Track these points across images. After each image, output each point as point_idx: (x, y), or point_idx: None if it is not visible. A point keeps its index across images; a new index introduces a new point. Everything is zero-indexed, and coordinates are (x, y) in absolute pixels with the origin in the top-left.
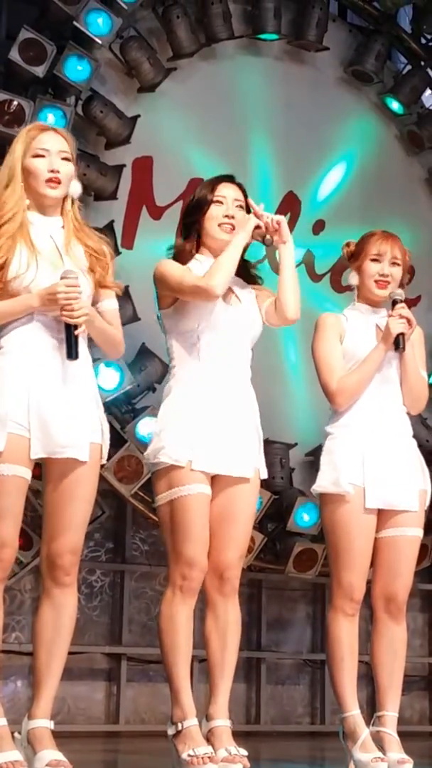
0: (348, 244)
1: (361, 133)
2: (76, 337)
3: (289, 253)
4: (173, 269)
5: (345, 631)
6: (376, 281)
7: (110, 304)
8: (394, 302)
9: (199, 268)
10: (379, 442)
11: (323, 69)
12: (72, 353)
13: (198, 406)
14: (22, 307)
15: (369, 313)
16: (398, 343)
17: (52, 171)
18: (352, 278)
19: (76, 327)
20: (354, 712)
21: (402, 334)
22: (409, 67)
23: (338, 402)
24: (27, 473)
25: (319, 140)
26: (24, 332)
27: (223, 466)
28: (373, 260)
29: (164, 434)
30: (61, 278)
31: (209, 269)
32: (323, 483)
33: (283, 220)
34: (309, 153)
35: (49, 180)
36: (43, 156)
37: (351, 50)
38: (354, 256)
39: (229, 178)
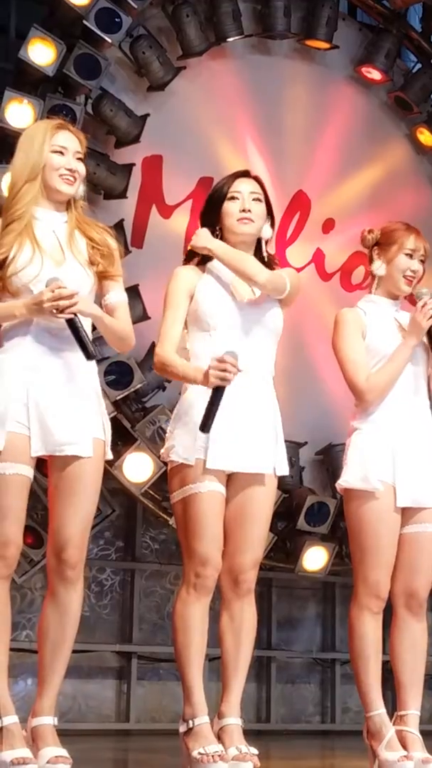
0: (371, 231)
1: (371, 131)
2: (86, 336)
3: None
4: (165, 316)
5: (371, 628)
6: (405, 277)
7: (117, 296)
8: (420, 300)
9: (219, 265)
10: (408, 438)
11: (333, 68)
12: (90, 353)
13: None
14: (5, 313)
15: (387, 306)
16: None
17: (70, 170)
18: (380, 269)
19: (79, 324)
20: (380, 711)
21: None
22: (419, 66)
23: (368, 400)
24: (29, 471)
25: (328, 139)
26: (24, 330)
27: (235, 464)
28: (407, 255)
29: (176, 432)
30: (46, 284)
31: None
32: (350, 479)
33: None
34: (318, 151)
35: (66, 177)
36: (61, 153)
37: (361, 49)
38: (380, 246)
39: (245, 173)
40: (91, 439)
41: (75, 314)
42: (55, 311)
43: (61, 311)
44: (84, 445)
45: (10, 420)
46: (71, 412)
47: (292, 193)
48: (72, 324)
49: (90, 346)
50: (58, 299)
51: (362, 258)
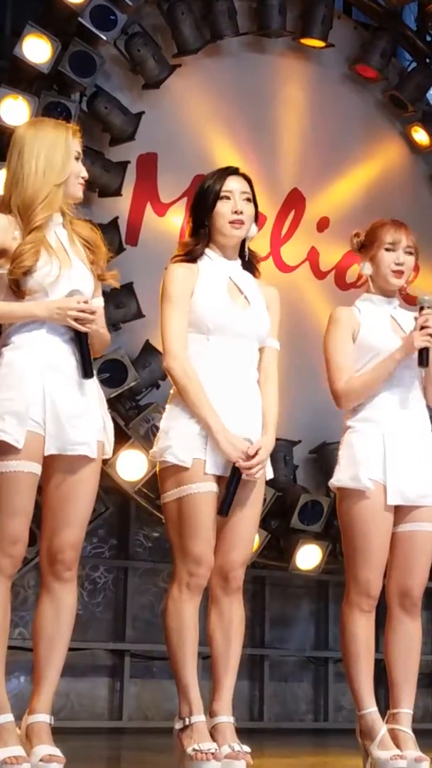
0: (357, 234)
1: (366, 130)
2: (88, 355)
3: None
4: (165, 315)
5: (361, 627)
6: (393, 271)
7: (99, 302)
8: (421, 308)
9: (210, 267)
10: (401, 436)
11: (328, 66)
12: (88, 371)
13: None
14: (24, 314)
15: (382, 303)
16: (422, 359)
17: (83, 176)
18: (366, 268)
19: (87, 343)
20: (371, 709)
21: (426, 349)
22: (414, 65)
23: (341, 403)
24: (39, 470)
25: (323, 137)
26: (36, 328)
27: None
28: (388, 249)
29: (172, 433)
30: (69, 295)
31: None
32: (342, 477)
33: None
34: (313, 150)
35: (82, 184)
36: (77, 158)
37: (356, 47)
38: (365, 246)
39: (235, 170)
40: (96, 440)
41: (87, 331)
42: (75, 321)
43: (81, 323)
44: (92, 446)
45: (28, 419)
46: (83, 412)
47: (287, 192)
48: (81, 340)
49: (89, 365)
50: (84, 311)
51: (356, 257)
